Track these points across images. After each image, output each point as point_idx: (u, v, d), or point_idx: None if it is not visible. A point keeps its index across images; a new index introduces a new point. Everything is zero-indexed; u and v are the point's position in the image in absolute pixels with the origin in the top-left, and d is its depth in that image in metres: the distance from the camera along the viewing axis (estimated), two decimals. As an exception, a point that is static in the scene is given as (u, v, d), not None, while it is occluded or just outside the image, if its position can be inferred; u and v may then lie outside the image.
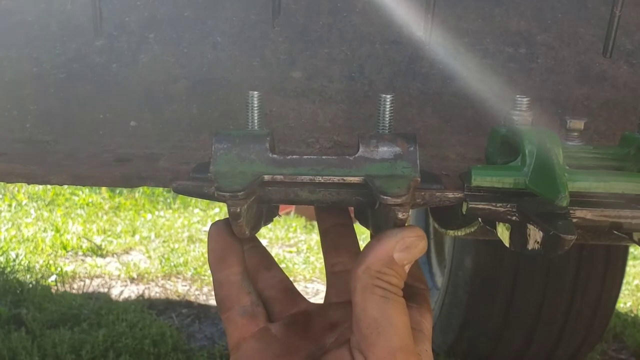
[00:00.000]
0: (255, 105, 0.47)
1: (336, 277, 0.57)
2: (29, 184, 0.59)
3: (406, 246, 0.43)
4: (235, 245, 0.52)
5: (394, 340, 0.42)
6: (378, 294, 0.42)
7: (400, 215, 0.42)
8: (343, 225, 0.58)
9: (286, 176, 0.44)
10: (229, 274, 0.52)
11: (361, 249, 0.51)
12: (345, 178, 0.43)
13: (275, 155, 0.44)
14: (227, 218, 0.50)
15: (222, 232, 0.51)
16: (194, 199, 4.81)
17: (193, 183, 0.46)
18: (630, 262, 2.87)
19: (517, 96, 0.51)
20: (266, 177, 0.43)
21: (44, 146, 0.61)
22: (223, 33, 0.64)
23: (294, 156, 0.44)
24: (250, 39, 0.64)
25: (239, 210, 0.42)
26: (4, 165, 0.56)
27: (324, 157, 0.44)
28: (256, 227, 0.51)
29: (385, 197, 0.41)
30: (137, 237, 3.73)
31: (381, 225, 0.46)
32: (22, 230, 3.66)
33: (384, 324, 0.42)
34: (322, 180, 0.44)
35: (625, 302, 2.97)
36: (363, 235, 1.57)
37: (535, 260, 1.83)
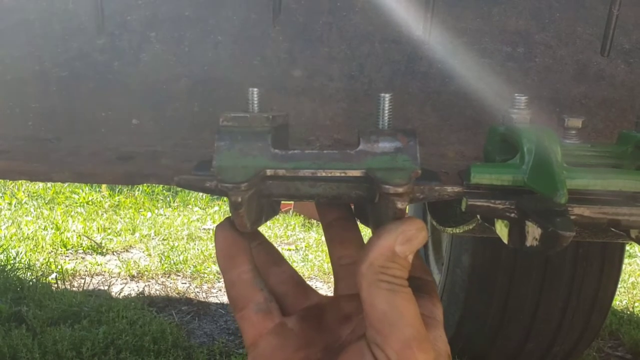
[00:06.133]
0: (256, 102, 0.48)
1: (344, 270, 0.57)
2: (31, 181, 0.59)
3: (407, 239, 0.43)
4: (243, 243, 0.52)
5: (407, 331, 0.42)
6: (384, 288, 0.43)
7: (399, 205, 0.43)
8: (346, 218, 0.58)
9: (288, 170, 0.44)
10: (240, 272, 0.51)
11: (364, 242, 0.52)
12: (346, 171, 0.44)
13: (277, 150, 0.45)
14: (230, 217, 0.50)
15: (227, 231, 0.51)
16: (193, 197, 4.81)
17: (195, 177, 0.46)
18: (625, 260, 2.87)
19: (516, 95, 0.51)
20: (268, 172, 0.44)
21: (46, 144, 0.61)
22: (224, 32, 0.64)
23: (296, 151, 0.45)
24: (251, 38, 0.64)
25: (240, 199, 0.43)
26: (7, 162, 0.56)
27: (325, 151, 0.45)
28: (257, 222, 0.51)
29: (386, 186, 0.42)
30: (137, 235, 3.73)
31: (381, 218, 0.47)
32: (22, 228, 3.66)
33: (394, 316, 0.42)
34: (324, 174, 0.44)
35: (621, 300, 2.98)
36: (362, 232, 1.57)
37: (533, 258, 1.83)
